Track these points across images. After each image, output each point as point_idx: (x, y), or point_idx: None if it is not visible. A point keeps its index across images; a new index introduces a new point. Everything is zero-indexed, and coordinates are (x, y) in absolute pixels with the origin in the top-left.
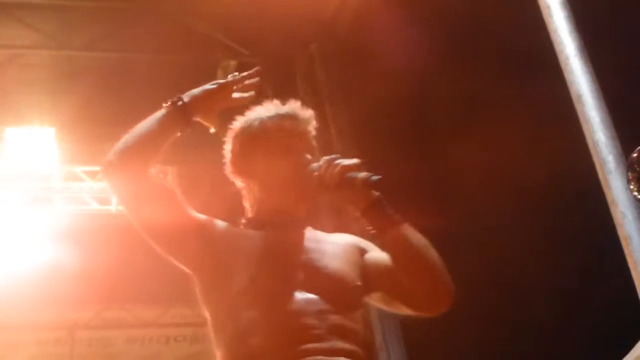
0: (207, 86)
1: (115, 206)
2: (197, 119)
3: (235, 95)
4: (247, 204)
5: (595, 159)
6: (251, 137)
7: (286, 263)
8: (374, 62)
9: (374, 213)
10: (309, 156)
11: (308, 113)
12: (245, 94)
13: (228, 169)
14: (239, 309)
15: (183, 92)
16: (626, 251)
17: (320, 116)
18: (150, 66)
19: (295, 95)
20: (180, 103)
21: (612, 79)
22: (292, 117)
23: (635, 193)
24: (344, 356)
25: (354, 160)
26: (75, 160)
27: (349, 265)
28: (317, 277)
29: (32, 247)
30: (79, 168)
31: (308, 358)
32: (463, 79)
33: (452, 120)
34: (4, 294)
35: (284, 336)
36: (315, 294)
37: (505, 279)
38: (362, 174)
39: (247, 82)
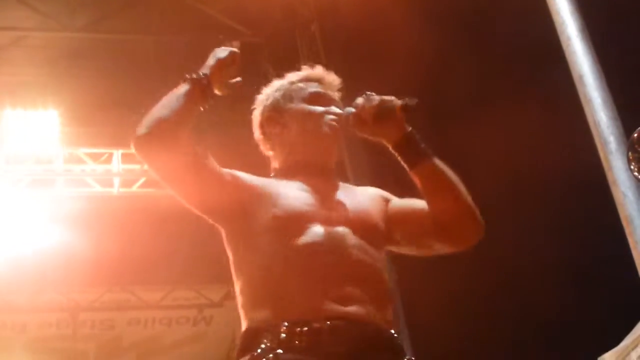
0: (219, 55)
1: (117, 188)
2: (215, 89)
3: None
4: (275, 162)
5: (596, 140)
6: (284, 92)
7: (311, 203)
8: (377, 44)
9: (407, 145)
10: (336, 109)
11: (332, 77)
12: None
13: (257, 131)
14: (262, 243)
15: (184, 73)
16: (627, 231)
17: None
18: (152, 47)
19: None
20: (202, 76)
21: (614, 60)
22: (321, 76)
23: (636, 173)
24: (357, 304)
25: (390, 96)
26: (78, 142)
27: (373, 210)
28: (341, 214)
29: (34, 229)
30: (82, 150)
31: (321, 303)
32: (471, 63)
33: (460, 106)
34: (6, 276)
35: (304, 272)
36: (339, 229)
37: (510, 264)
38: (399, 101)
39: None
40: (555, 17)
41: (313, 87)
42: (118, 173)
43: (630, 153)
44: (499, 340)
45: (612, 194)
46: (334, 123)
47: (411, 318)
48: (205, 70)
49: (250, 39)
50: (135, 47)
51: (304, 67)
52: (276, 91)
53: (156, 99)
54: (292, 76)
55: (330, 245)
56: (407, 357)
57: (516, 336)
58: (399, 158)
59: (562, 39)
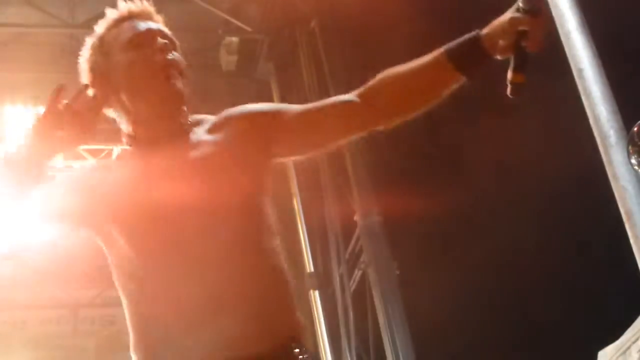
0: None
1: None
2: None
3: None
4: (123, 128)
5: (596, 134)
6: (99, 56)
7: (160, 214)
8: (377, 40)
9: (483, 60)
10: (161, 40)
11: (142, 4)
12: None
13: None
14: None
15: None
16: (627, 225)
17: (323, 93)
18: None
19: (298, 72)
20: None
21: (614, 54)
22: (130, 11)
23: (637, 167)
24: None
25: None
26: None
27: (239, 162)
28: (193, 214)
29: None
30: (81, 146)
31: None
32: None
33: (458, 101)
34: (6, 272)
35: (167, 315)
36: (196, 250)
37: (510, 258)
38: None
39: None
40: (554, 11)
41: (127, 29)
42: None
43: (630, 147)
44: (499, 334)
45: (612, 188)
46: (168, 58)
47: (412, 313)
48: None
49: (250, 36)
50: None
51: (108, 10)
52: (91, 52)
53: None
54: (99, 27)
55: (192, 272)
56: None
57: (516, 331)
58: (466, 54)
59: (562, 32)
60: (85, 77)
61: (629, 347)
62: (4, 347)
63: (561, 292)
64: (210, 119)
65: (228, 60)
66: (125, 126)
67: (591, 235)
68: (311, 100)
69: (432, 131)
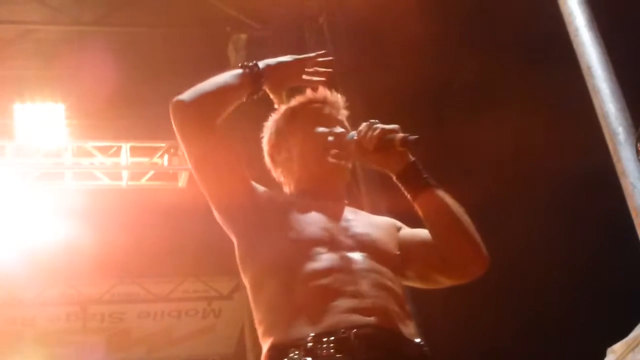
0: (282, 58)
1: (125, 181)
2: (266, 88)
3: (306, 76)
4: (286, 188)
5: (605, 131)
6: (284, 123)
7: (327, 227)
8: (385, 37)
9: (409, 175)
10: (340, 129)
11: (336, 96)
12: (315, 78)
13: (267, 159)
14: (280, 265)
15: (192, 66)
16: (636, 222)
17: (332, 89)
18: (160, 40)
19: None
20: (256, 68)
21: (622, 51)
22: (320, 100)
23: None
24: (380, 315)
25: (394, 125)
26: (86, 135)
27: (388, 237)
28: (358, 240)
29: (43, 223)
30: (90, 143)
31: (345, 315)
32: (476, 54)
33: (466, 97)
34: (16, 270)
35: (324, 292)
36: (356, 254)
37: (519, 254)
38: (400, 135)
39: (320, 65)
40: (562, 8)
41: (314, 106)
42: (126, 166)
43: (638, 144)
44: (509, 330)
45: (621, 185)
46: (336, 151)
47: (422, 310)
48: (261, 63)
49: (259, 32)
50: (144, 40)
51: (308, 90)
52: (280, 117)
53: (165, 91)
54: (295, 100)
55: (349, 268)
56: None
57: (525, 327)
58: (402, 189)
59: (570, 30)
60: (267, 135)
61: (638, 344)
62: (14, 344)
63: (570, 288)
64: None
65: (236, 57)
66: (289, 185)
67: (600, 231)
68: None
69: (439, 129)
